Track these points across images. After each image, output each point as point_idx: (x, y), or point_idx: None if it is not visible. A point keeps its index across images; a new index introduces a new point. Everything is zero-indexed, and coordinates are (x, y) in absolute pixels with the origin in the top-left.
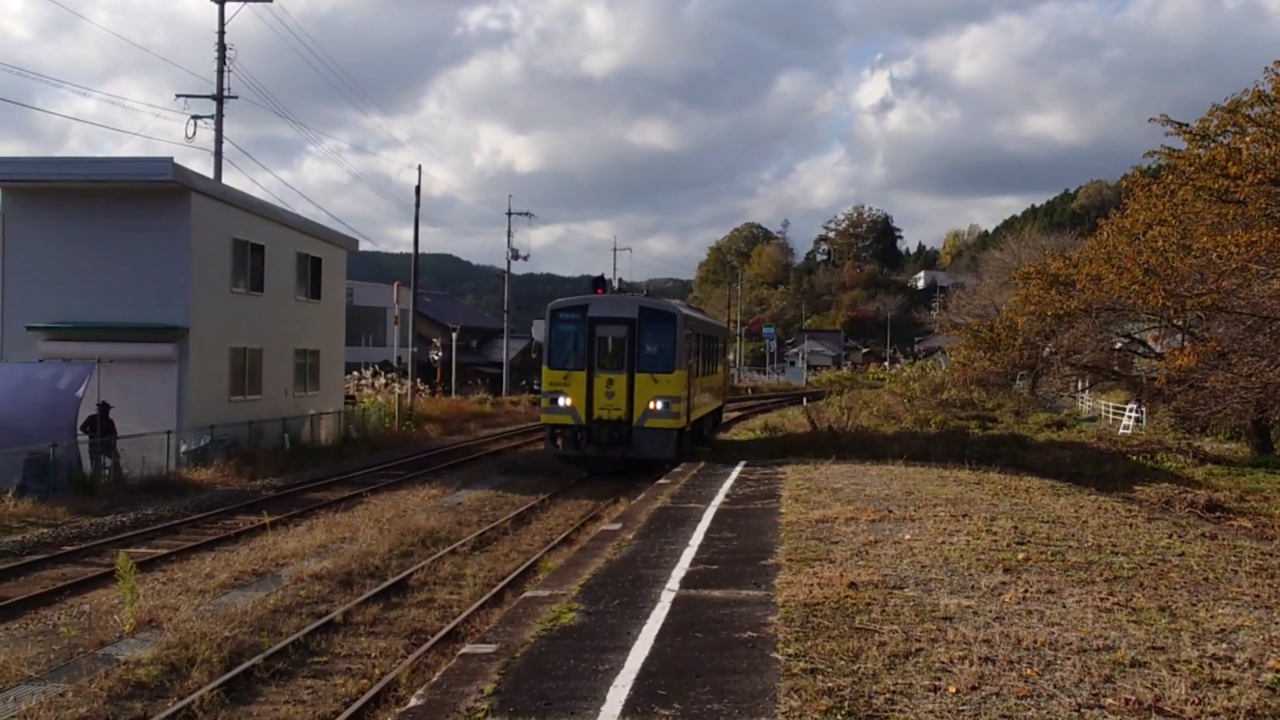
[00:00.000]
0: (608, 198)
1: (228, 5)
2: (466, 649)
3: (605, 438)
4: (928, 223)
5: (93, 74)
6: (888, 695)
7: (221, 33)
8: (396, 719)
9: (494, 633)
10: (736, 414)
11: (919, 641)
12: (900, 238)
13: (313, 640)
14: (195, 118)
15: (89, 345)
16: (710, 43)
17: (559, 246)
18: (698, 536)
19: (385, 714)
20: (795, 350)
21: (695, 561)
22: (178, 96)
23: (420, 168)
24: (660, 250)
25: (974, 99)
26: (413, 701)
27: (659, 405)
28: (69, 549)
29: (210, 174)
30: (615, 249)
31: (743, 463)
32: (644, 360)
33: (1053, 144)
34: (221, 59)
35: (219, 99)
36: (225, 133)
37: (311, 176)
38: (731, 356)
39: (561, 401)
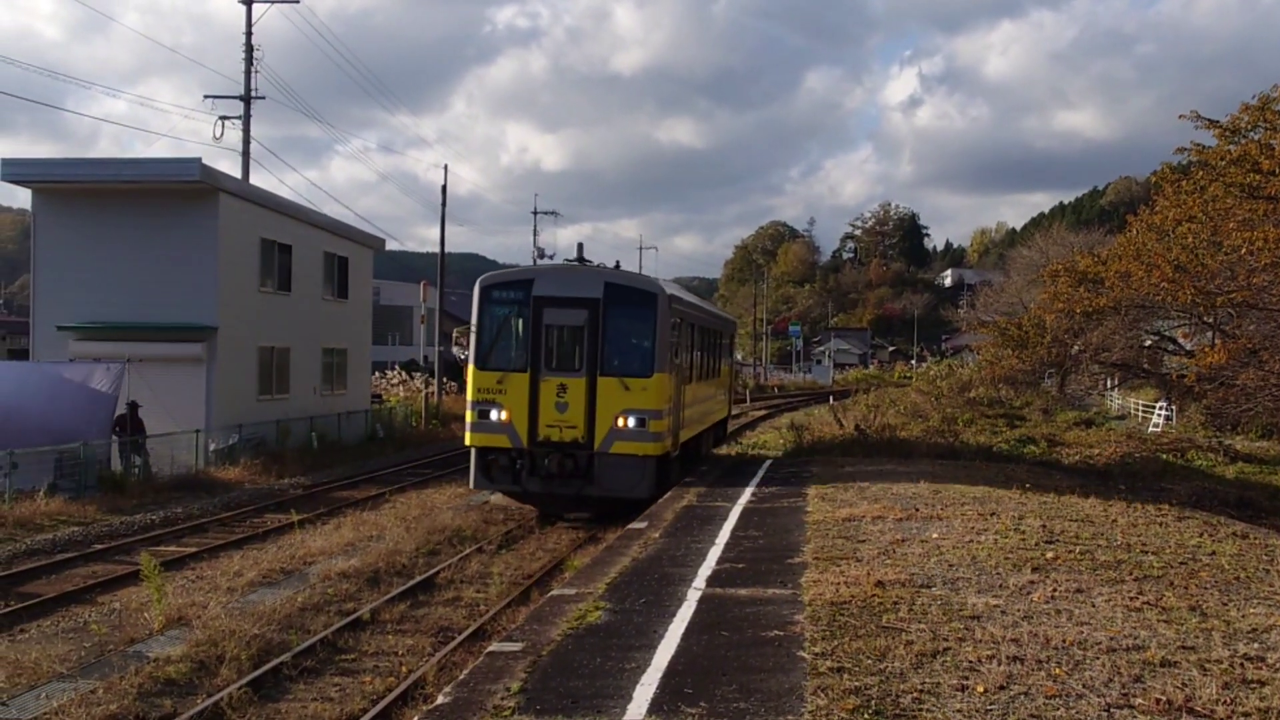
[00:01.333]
0: (635, 196)
1: (255, 6)
2: (493, 647)
3: (554, 468)
4: (957, 220)
5: (123, 75)
6: (915, 694)
7: (249, 33)
8: (424, 717)
9: (521, 631)
10: (763, 412)
11: (946, 640)
12: (927, 235)
13: (340, 638)
14: (223, 118)
15: (118, 345)
16: (739, 40)
17: (585, 245)
18: (724, 535)
19: (413, 712)
20: (821, 349)
21: (721, 560)
22: (205, 98)
23: (446, 167)
24: (688, 249)
25: (1004, 95)
26: (440, 699)
27: (630, 422)
28: (99, 547)
29: (238, 174)
30: (641, 247)
31: (768, 461)
32: (611, 358)
33: (1084, 140)
34: (249, 60)
35: (246, 99)
36: (253, 133)
37: (339, 176)
38: (742, 355)
39: (494, 415)
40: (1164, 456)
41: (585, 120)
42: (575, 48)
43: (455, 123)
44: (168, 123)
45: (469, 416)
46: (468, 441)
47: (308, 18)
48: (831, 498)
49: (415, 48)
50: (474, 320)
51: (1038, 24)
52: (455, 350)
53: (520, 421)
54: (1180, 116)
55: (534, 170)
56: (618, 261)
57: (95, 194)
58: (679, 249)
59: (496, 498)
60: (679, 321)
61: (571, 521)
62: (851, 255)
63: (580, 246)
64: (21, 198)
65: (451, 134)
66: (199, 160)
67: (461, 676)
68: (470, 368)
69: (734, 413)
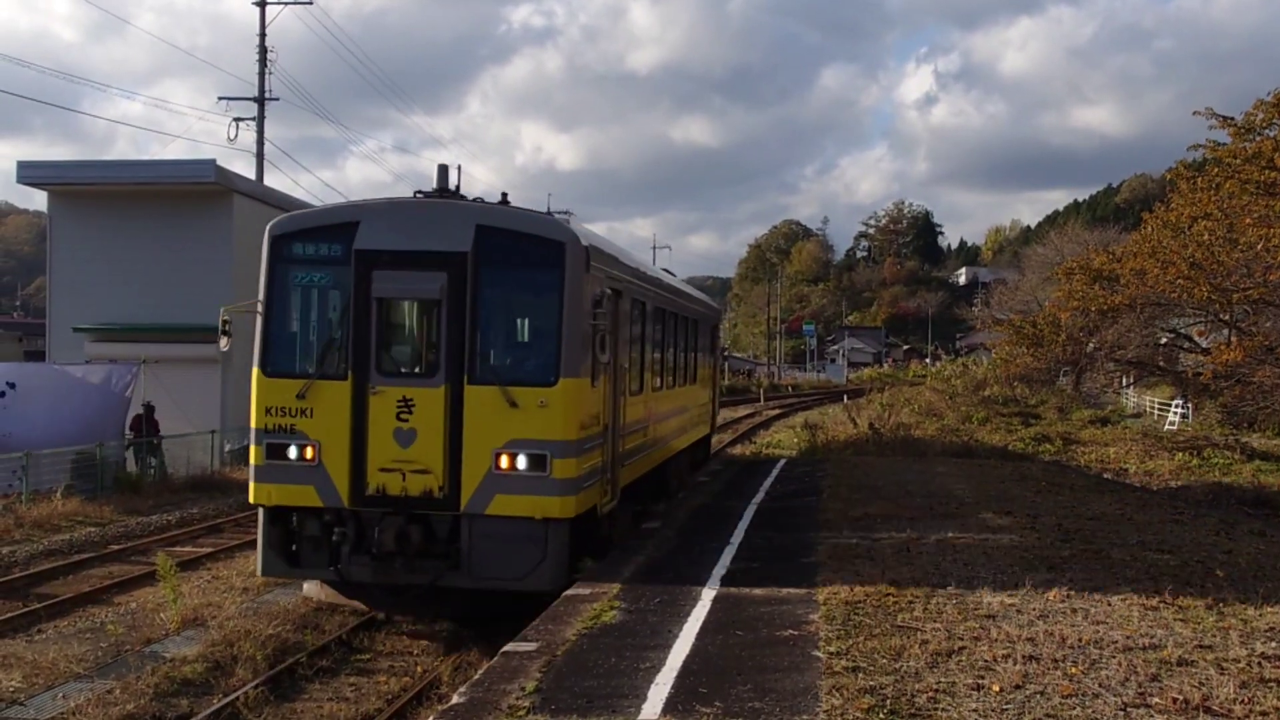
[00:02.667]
0: (650, 195)
1: (269, 8)
2: (508, 647)
3: (392, 542)
4: (973, 217)
5: (138, 77)
6: (930, 694)
7: (263, 35)
8: (439, 716)
9: (535, 631)
10: (777, 411)
11: (962, 639)
12: (941, 234)
13: (356, 638)
14: (237, 120)
15: (134, 346)
16: (754, 37)
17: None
18: (738, 534)
19: (427, 711)
20: (835, 347)
21: (736, 559)
22: (220, 99)
23: (460, 167)
24: (703, 248)
25: (1021, 92)
26: (455, 699)
27: (521, 462)
28: (116, 548)
29: (252, 175)
30: (654, 246)
31: (783, 460)
32: (488, 354)
33: (1101, 137)
34: (263, 61)
35: (260, 101)
36: (267, 134)
37: (354, 176)
38: (755, 354)
39: (293, 453)
40: (1179, 454)
41: (600, 119)
42: (591, 46)
43: (470, 122)
44: (183, 124)
45: (253, 455)
46: (252, 497)
47: (321, 19)
48: (845, 496)
49: (430, 47)
50: (261, 292)
51: (1056, 19)
52: (222, 343)
53: (337, 463)
54: (1194, 113)
55: (548, 169)
56: (505, 194)
57: (111, 196)
58: (694, 248)
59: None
60: (612, 294)
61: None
62: (865, 254)
63: (443, 171)
64: (38, 200)
65: (466, 134)
66: (213, 162)
67: (476, 676)
68: (254, 372)
69: (744, 413)
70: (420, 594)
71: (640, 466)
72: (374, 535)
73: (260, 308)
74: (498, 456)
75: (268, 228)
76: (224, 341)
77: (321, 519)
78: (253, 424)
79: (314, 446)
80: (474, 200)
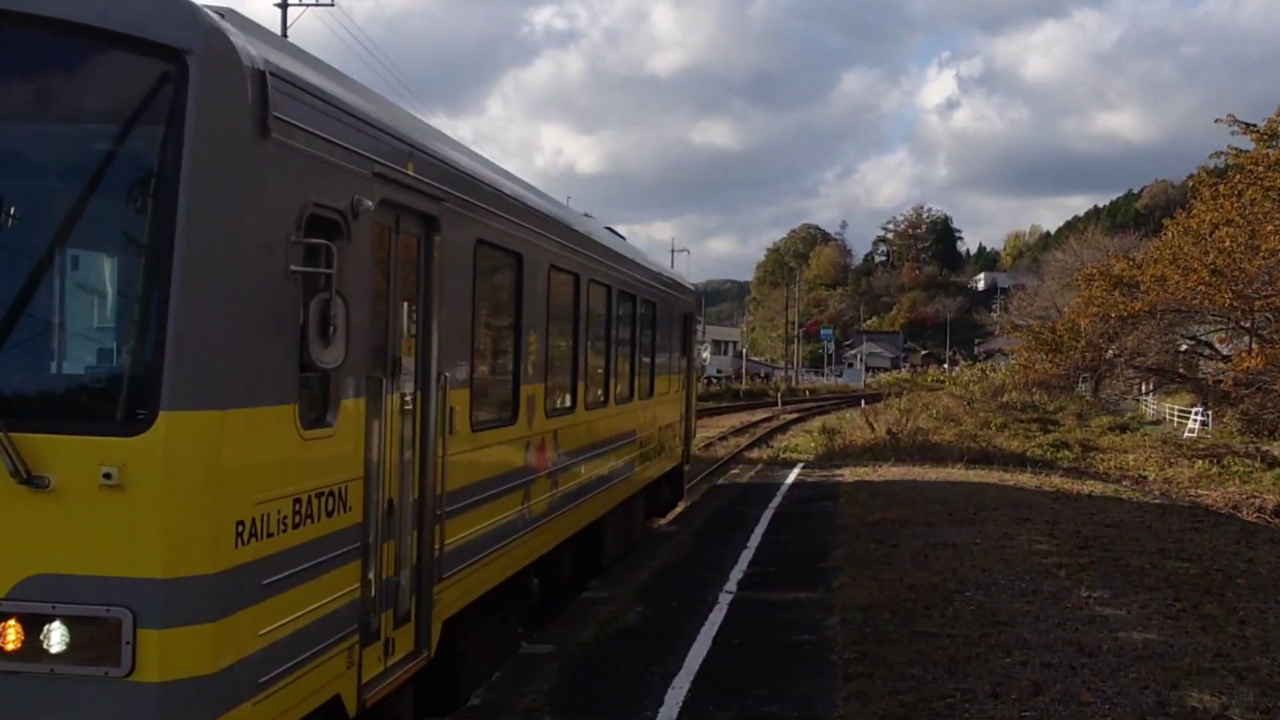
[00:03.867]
0: (670, 198)
1: (291, 9)
2: (524, 649)
3: None
4: (994, 223)
5: None
6: (948, 700)
7: (284, 36)
8: (456, 718)
9: (551, 633)
10: (794, 415)
11: (979, 646)
12: (960, 239)
13: None
14: None
15: None
16: (777, 41)
17: None
18: (755, 539)
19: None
20: (853, 352)
21: (753, 563)
22: None
23: None
24: (722, 251)
25: (1044, 97)
26: (472, 701)
27: (53, 637)
28: None
29: None
30: (673, 250)
31: (799, 465)
32: None
33: (1123, 142)
34: None
35: None
36: None
37: None
38: (772, 357)
39: None
40: (1200, 462)
41: (621, 122)
42: (613, 49)
43: (491, 125)
44: None
45: None
46: None
47: (343, 20)
48: (863, 502)
49: (452, 50)
50: None
51: (1080, 24)
52: None
53: None
54: (1216, 120)
55: (568, 173)
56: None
57: None
58: (713, 251)
59: None
60: (399, 212)
61: None
62: (884, 258)
63: None
64: None
65: (487, 136)
66: None
67: (494, 678)
68: None
69: (761, 417)
70: None
71: (519, 555)
72: None
73: None
74: None
75: None
76: None
77: None
78: None
79: None
80: None
